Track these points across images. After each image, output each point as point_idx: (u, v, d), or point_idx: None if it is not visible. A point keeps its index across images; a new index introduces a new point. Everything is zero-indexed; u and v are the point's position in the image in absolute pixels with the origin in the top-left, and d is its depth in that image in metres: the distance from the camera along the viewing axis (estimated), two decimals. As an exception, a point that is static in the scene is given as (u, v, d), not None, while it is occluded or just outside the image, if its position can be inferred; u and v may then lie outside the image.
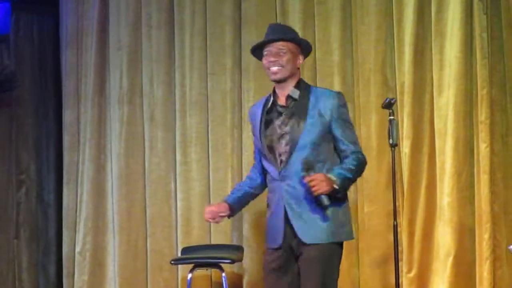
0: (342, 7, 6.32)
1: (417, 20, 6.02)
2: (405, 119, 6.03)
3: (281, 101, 4.30)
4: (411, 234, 6.02)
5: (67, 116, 7.25)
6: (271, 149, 4.26)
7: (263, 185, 4.45)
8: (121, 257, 6.94)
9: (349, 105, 6.25)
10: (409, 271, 6.02)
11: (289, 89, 4.28)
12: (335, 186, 4.11)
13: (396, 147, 5.52)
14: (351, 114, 6.25)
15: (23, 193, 7.50)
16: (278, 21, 6.49)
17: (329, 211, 4.17)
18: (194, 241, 6.69)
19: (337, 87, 6.29)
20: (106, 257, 7.08)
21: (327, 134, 4.22)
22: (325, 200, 4.11)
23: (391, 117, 5.37)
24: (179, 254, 6.58)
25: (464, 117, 5.87)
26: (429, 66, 6.02)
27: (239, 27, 6.60)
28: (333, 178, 4.11)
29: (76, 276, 7.10)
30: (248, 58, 6.51)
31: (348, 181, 4.19)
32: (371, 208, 6.16)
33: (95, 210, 7.08)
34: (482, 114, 5.78)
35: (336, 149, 4.27)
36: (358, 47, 6.26)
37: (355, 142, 4.29)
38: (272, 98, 4.33)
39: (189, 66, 6.81)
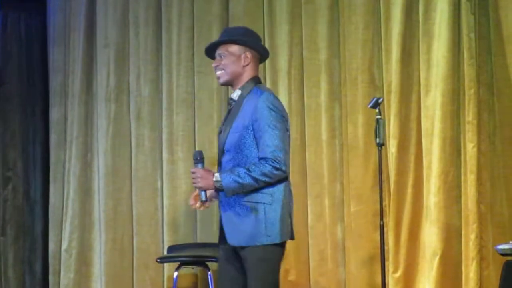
0: (330, 6, 6.32)
1: (404, 20, 6.02)
2: (392, 119, 6.02)
3: (229, 100, 4.33)
4: (397, 234, 6.02)
5: (54, 113, 7.23)
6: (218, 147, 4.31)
7: None
8: (107, 255, 6.93)
9: (336, 104, 6.31)
10: (395, 271, 6.02)
11: (235, 90, 4.28)
12: (217, 186, 4.07)
13: (383, 147, 5.52)
14: (337, 113, 6.31)
15: (10, 190, 7.47)
16: (265, 20, 6.49)
17: (256, 215, 4.09)
18: (180, 239, 6.68)
19: (324, 86, 6.30)
20: (92, 255, 7.07)
21: (251, 138, 4.14)
22: (202, 195, 4.13)
23: (378, 117, 5.37)
24: (165, 252, 6.57)
25: (451, 117, 5.86)
26: (417, 66, 6.02)
27: (226, 26, 6.58)
28: (218, 178, 4.07)
29: (62, 273, 7.08)
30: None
31: (238, 185, 4.05)
32: (358, 208, 6.15)
33: (82, 208, 7.06)
34: (469, 114, 5.78)
35: None
36: (345, 46, 6.26)
37: (270, 147, 4.05)
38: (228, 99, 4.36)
39: (176, 64, 6.80)
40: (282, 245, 4.17)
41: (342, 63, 6.29)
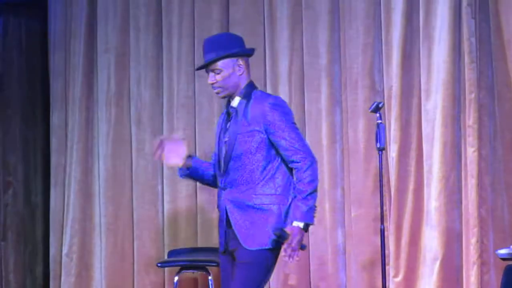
0: (330, 11, 6.32)
1: (405, 24, 6.02)
2: (393, 123, 6.03)
3: (229, 108, 4.32)
4: (398, 238, 6.02)
5: (55, 118, 7.23)
6: (219, 156, 4.30)
7: (214, 180, 4.42)
8: (108, 260, 6.93)
9: (337, 109, 6.31)
10: (396, 275, 6.02)
11: (235, 97, 4.28)
12: (307, 229, 4.16)
13: (384, 151, 5.51)
14: (338, 118, 6.31)
15: (10, 195, 7.47)
16: (266, 25, 6.49)
17: (270, 217, 4.15)
18: (181, 244, 6.68)
19: (324, 91, 6.30)
20: (93, 259, 7.07)
21: (264, 141, 4.18)
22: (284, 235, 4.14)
23: (379, 121, 5.36)
24: (166, 257, 6.57)
25: (451, 121, 5.86)
26: (417, 70, 6.02)
27: (226, 31, 6.57)
28: (301, 224, 4.13)
29: (63, 278, 7.08)
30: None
31: (310, 210, 4.16)
32: (358, 212, 6.15)
33: (82, 212, 7.07)
34: (470, 119, 5.78)
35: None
36: (346, 51, 6.26)
37: (296, 143, 4.17)
38: (226, 106, 4.36)
39: (177, 69, 6.81)
40: (279, 248, 4.22)
41: (343, 68, 6.29)
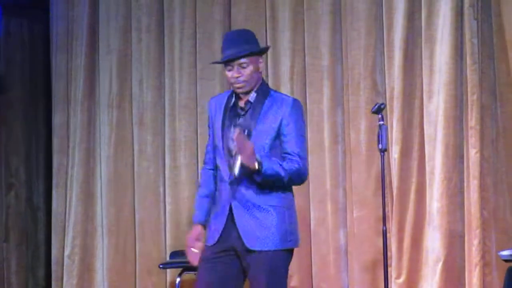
0: (332, 12, 6.31)
1: (407, 25, 6.02)
2: (395, 124, 6.02)
3: (241, 103, 4.26)
4: (400, 240, 6.01)
5: (57, 119, 7.23)
6: (227, 150, 4.22)
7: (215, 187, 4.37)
8: (110, 261, 6.93)
9: (339, 110, 6.31)
10: (398, 276, 6.01)
11: (251, 93, 4.25)
12: (257, 166, 4.03)
13: (386, 152, 5.51)
14: (340, 119, 6.31)
15: (13, 196, 7.48)
16: (267, 26, 6.49)
17: (274, 218, 4.12)
18: (183, 245, 6.61)
19: (326, 92, 6.30)
20: (95, 261, 7.06)
21: (277, 140, 4.17)
22: (236, 169, 4.06)
23: (381, 122, 5.36)
24: (168, 258, 6.57)
25: (454, 122, 5.86)
26: (419, 72, 6.02)
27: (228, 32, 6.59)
28: (259, 159, 4.04)
29: (65, 279, 7.08)
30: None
31: (275, 176, 4.07)
32: (360, 213, 6.14)
33: (84, 214, 7.06)
34: (472, 120, 5.77)
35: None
36: (348, 52, 6.25)
37: (299, 150, 4.16)
38: (233, 99, 4.29)
39: (179, 70, 6.81)
40: (293, 251, 4.22)
41: (345, 69, 6.29)
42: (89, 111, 7.11)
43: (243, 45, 4.21)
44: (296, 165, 4.13)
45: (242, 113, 4.24)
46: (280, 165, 4.09)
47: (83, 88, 7.10)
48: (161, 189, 6.87)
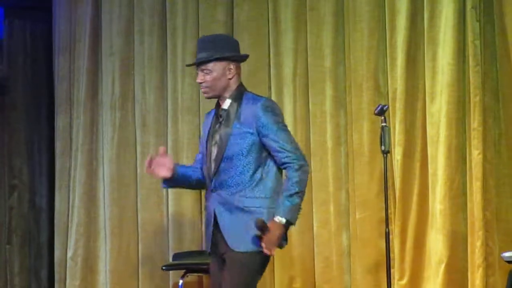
0: (335, 13, 6.30)
1: (409, 27, 6.01)
2: (397, 126, 6.01)
3: (220, 110, 4.34)
4: (403, 241, 6.00)
5: (60, 121, 7.24)
6: (208, 157, 4.31)
7: (201, 183, 4.45)
8: (113, 263, 6.94)
9: (341, 111, 6.29)
10: (401, 278, 6.00)
11: (226, 100, 4.30)
12: (288, 227, 4.18)
13: (388, 154, 5.51)
14: (343, 120, 6.30)
15: (15, 198, 7.50)
16: (270, 27, 6.48)
17: (254, 220, 4.15)
18: (186, 247, 6.68)
19: (329, 94, 6.29)
20: (97, 263, 7.07)
21: (256, 143, 4.21)
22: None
23: (384, 124, 5.36)
24: (171, 260, 6.56)
25: (456, 124, 5.85)
26: (422, 73, 6.00)
27: (231, 33, 6.56)
28: (282, 220, 4.13)
29: (68, 281, 7.09)
30: (240, 64, 6.50)
31: (294, 208, 4.18)
32: (363, 215, 6.14)
33: (87, 216, 7.07)
34: (475, 121, 5.76)
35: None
36: (350, 53, 6.25)
37: (288, 145, 4.20)
38: (216, 108, 4.38)
39: (181, 72, 6.80)
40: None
41: (347, 70, 6.28)
42: (92, 112, 7.12)
43: (209, 51, 4.26)
44: (295, 171, 4.17)
45: (220, 120, 4.30)
46: (290, 194, 4.15)
47: (86, 89, 7.11)
48: (164, 191, 6.86)
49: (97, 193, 7.08)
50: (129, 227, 6.93)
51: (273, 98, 6.42)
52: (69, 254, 7.09)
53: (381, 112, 5.37)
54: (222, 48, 4.29)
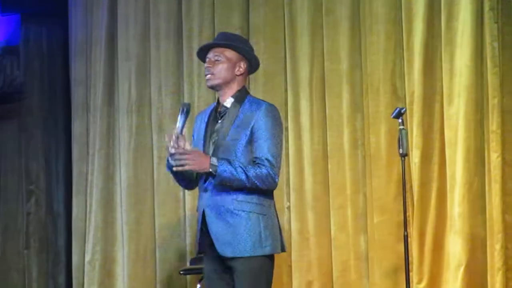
0: (351, 17, 6.29)
1: (426, 29, 5.98)
2: (415, 129, 5.99)
3: (219, 108, 4.29)
4: (421, 245, 5.98)
5: (76, 126, 7.26)
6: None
7: (196, 181, 4.36)
8: (130, 267, 6.94)
9: (358, 115, 6.27)
10: (420, 281, 5.98)
11: (227, 98, 4.25)
12: (212, 170, 4.04)
13: (406, 157, 5.48)
14: (360, 124, 6.28)
15: (33, 203, 7.53)
16: (286, 31, 6.47)
17: (247, 223, 4.11)
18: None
19: (345, 97, 6.27)
20: (115, 267, 7.08)
21: (249, 146, 4.15)
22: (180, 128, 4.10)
23: (401, 127, 5.34)
24: (188, 264, 6.56)
25: (474, 126, 5.82)
26: (439, 75, 5.98)
27: (247, 37, 6.56)
28: (215, 162, 4.05)
29: (85, 286, 7.11)
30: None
31: (233, 178, 4.05)
32: (381, 219, 6.12)
33: (104, 220, 7.09)
34: (493, 124, 5.73)
35: None
36: (367, 56, 6.23)
37: (271, 153, 4.12)
38: (214, 106, 4.33)
39: (198, 76, 6.80)
40: (273, 257, 4.20)
41: (364, 74, 6.26)
42: (109, 117, 7.13)
43: (230, 41, 4.25)
44: (264, 171, 4.09)
45: (219, 117, 4.26)
46: (242, 168, 4.06)
47: (102, 94, 7.13)
48: (181, 195, 6.87)
49: (114, 198, 7.10)
50: (146, 231, 6.94)
51: (290, 101, 6.42)
52: (87, 258, 7.10)
53: (399, 115, 5.36)
54: (240, 43, 4.29)
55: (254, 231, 4.12)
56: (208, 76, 4.23)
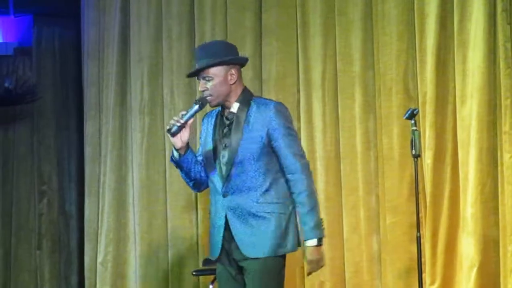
0: (363, 18, 6.28)
1: (439, 30, 5.97)
2: (428, 130, 5.98)
3: (226, 113, 4.28)
4: (434, 246, 5.97)
5: (89, 127, 7.28)
6: (216, 161, 4.23)
7: (206, 183, 4.36)
8: (143, 268, 6.95)
9: (371, 116, 6.27)
10: (432, 283, 5.97)
11: (232, 104, 4.24)
12: (319, 246, 4.15)
13: (419, 158, 5.48)
14: (372, 125, 6.27)
15: (45, 204, 7.55)
16: (298, 32, 6.46)
17: (271, 224, 4.13)
18: (216, 252, 6.67)
19: (358, 98, 6.27)
20: (127, 268, 7.10)
21: (266, 147, 4.16)
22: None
23: (414, 128, 5.33)
24: (201, 265, 6.57)
25: (487, 127, 5.80)
26: (452, 76, 5.97)
27: (259, 38, 6.58)
28: (313, 241, 4.13)
29: (98, 286, 7.13)
30: (269, 69, 6.51)
31: (318, 224, 4.15)
32: (394, 220, 6.11)
33: (117, 221, 7.10)
34: (506, 124, 5.72)
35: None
36: (379, 57, 6.22)
37: (295, 153, 4.17)
38: (219, 110, 4.32)
39: (210, 77, 6.80)
40: (285, 256, 4.23)
41: (377, 75, 6.25)
42: (121, 118, 7.15)
43: (206, 59, 4.21)
44: (302, 184, 4.15)
45: (227, 123, 4.25)
46: (307, 212, 4.14)
47: (115, 95, 7.15)
48: (193, 196, 6.88)
49: (127, 199, 7.11)
50: (158, 232, 6.95)
51: (302, 102, 6.42)
52: (99, 259, 7.11)
53: (411, 116, 5.35)
54: (221, 53, 4.24)
55: (277, 231, 4.14)
56: (209, 98, 4.21)
